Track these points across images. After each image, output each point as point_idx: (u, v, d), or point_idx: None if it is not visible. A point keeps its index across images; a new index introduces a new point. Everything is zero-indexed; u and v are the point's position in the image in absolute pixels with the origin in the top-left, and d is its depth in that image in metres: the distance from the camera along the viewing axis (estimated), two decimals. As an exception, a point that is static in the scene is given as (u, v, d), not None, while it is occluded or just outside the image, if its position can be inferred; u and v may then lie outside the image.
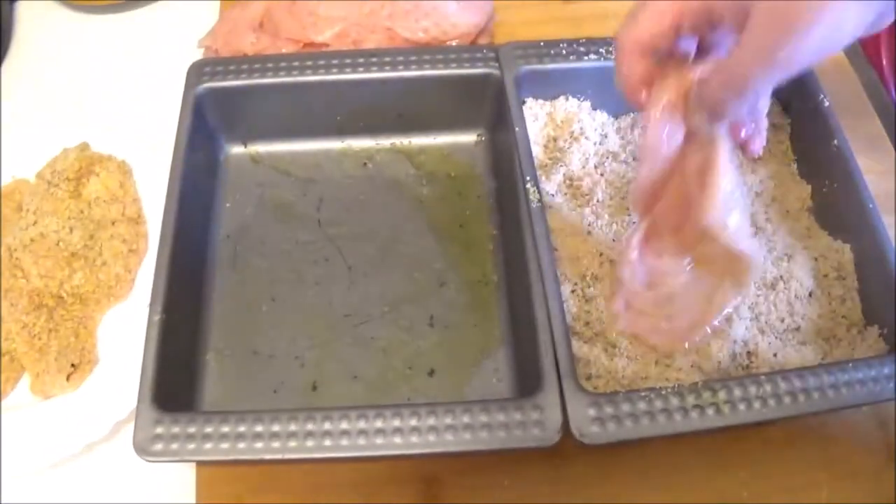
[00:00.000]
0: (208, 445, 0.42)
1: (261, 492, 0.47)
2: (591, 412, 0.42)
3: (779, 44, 0.35)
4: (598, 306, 0.50)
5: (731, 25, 0.37)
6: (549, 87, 0.58)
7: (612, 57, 0.56)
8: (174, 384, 0.46)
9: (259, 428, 0.42)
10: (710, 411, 0.42)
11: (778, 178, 0.56)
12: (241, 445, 0.41)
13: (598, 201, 0.55)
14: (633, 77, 0.41)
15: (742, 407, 0.42)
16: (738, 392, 0.43)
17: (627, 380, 0.47)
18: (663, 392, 0.43)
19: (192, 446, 0.42)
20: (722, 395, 0.43)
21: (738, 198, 0.41)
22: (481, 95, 0.58)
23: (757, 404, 0.42)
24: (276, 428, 0.42)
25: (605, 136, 0.58)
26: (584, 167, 0.56)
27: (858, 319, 0.50)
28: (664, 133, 0.40)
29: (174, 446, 0.42)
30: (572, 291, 0.51)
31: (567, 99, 0.58)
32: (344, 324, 0.52)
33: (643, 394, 0.43)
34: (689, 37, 0.40)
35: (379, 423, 0.42)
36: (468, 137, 0.61)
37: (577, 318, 0.50)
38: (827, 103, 0.55)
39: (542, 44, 0.57)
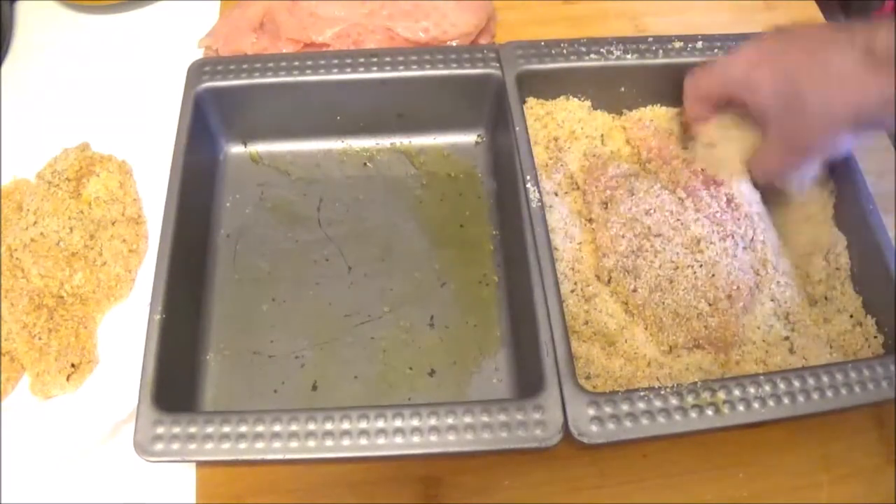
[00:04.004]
0: (209, 446, 0.42)
1: (261, 492, 0.47)
2: (591, 412, 0.42)
3: (794, 157, 0.48)
4: (597, 305, 0.50)
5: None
6: (550, 86, 0.58)
7: (614, 57, 0.56)
8: (174, 384, 0.46)
9: (260, 428, 0.42)
10: (710, 411, 0.42)
11: (778, 178, 0.56)
12: (242, 446, 0.41)
13: (598, 201, 0.55)
14: (697, 115, 0.53)
15: (741, 407, 0.42)
16: (737, 392, 0.43)
17: (625, 379, 0.47)
18: (662, 392, 0.43)
19: (192, 446, 0.42)
20: (721, 395, 0.43)
21: None
22: (481, 95, 0.58)
23: (756, 404, 0.42)
24: (277, 428, 0.42)
25: (606, 136, 0.58)
26: (584, 167, 0.56)
27: (858, 319, 0.50)
28: None
29: (174, 446, 0.42)
30: (572, 291, 0.51)
31: (568, 99, 0.58)
32: (344, 324, 0.52)
33: (642, 394, 0.43)
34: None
35: (381, 424, 0.42)
36: (468, 137, 0.61)
37: (576, 318, 0.50)
38: (827, 103, 0.55)
39: (542, 44, 0.57)
